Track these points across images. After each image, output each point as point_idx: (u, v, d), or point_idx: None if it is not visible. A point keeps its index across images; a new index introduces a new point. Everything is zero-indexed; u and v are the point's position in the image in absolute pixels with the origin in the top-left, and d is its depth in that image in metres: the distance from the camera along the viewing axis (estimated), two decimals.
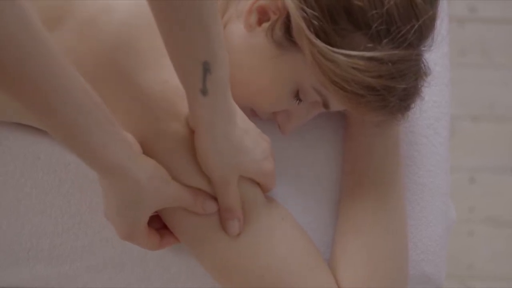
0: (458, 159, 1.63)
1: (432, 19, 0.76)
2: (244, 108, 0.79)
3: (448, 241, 0.93)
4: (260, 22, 0.78)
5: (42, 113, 0.63)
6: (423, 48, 0.76)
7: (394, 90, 0.74)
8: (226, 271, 0.79)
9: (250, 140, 0.76)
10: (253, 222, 0.78)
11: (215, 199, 0.77)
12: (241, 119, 0.76)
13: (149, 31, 0.73)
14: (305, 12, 0.73)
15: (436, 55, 0.92)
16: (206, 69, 0.67)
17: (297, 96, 0.80)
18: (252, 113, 0.84)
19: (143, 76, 0.74)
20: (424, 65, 0.78)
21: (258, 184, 0.80)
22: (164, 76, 0.74)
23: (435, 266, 0.89)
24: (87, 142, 0.66)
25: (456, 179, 1.28)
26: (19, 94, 0.61)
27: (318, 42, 0.73)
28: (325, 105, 0.80)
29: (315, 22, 0.72)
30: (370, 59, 0.73)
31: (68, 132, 0.65)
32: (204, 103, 0.70)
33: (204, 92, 0.69)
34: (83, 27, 0.74)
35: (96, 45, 0.74)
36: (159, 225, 0.80)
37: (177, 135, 0.74)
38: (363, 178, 0.85)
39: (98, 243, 0.86)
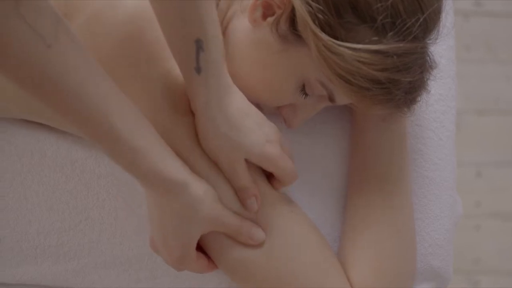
0: (464, 154, 1.62)
1: (437, 12, 0.76)
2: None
3: (454, 235, 0.93)
4: (265, 17, 0.78)
5: (104, 141, 0.67)
6: (428, 41, 0.76)
7: (399, 83, 0.74)
8: (239, 270, 0.79)
9: (251, 121, 0.76)
10: (263, 218, 0.78)
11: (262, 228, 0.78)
12: (242, 102, 0.76)
13: (154, 25, 0.73)
14: (310, 6, 0.73)
15: (442, 48, 0.92)
16: (199, 46, 0.69)
17: (303, 90, 0.80)
18: (257, 107, 0.84)
19: (148, 68, 0.74)
20: (430, 58, 0.77)
21: (269, 178, 0.80)
22: (167, 66, 0.74)
23: (443, 260, 0.89)
24: (148, 162, 0.68)
25: (462, 173, 1.27)
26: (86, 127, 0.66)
27: (323, 36, 0.73)
28: (331, 99, 0.80)
29: (320, 16, 0.72)
30: (375, 52, 0.72)
31: (130, 156, 0.68)
32: (198, 81, 0.71)
33: (198, 70, 0.70)
34: (90, 23, 0.74)
35: (102, 40, 0.74)
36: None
37: (186, 125, 0.75)
38: (370, 175, 0.85)
39: (105, 240, 0.86)
